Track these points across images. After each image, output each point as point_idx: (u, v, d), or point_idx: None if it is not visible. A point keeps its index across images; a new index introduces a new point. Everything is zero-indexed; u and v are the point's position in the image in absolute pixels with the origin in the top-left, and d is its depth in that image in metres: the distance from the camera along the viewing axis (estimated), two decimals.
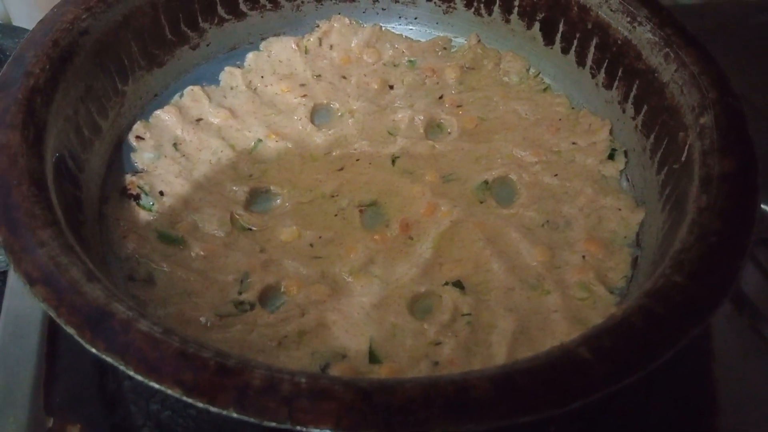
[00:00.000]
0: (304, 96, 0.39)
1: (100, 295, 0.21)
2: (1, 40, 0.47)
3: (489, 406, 0.20)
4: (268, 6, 0.40)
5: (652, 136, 0.33)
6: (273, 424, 0.19)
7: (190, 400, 0.19)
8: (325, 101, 0.39)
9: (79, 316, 0.21)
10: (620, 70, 0.36)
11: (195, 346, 0.21)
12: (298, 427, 0.19)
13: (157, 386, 0.20)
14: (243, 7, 0.39)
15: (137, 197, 0.33)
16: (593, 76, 0.38)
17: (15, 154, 0.25)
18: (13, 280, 0.34)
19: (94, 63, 0.32)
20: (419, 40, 0.43)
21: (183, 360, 0.20)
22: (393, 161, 0.37)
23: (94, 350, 0.20)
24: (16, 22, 0.55)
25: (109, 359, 0.20)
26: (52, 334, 0.31)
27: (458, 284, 0.31)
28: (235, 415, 0.19)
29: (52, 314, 0.21)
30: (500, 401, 0.20)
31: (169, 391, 0.20)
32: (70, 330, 0.21)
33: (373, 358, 0.29)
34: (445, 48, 0.42)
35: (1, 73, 0.27)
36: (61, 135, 0.29)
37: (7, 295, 0.33)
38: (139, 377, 0.20)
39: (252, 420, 0.19)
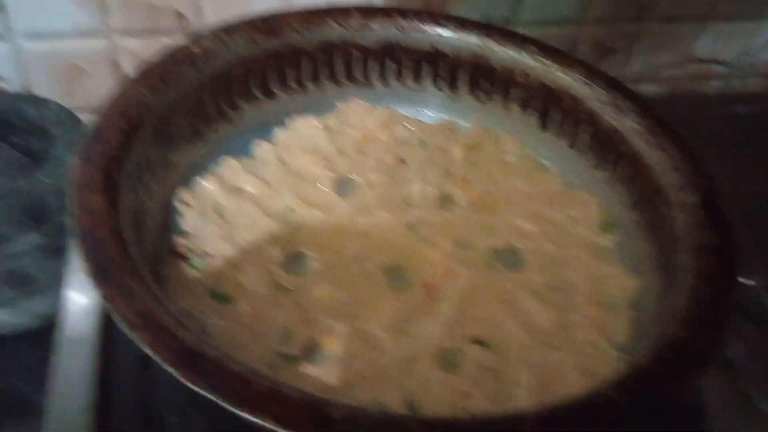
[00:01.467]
0: (328, 169, 0.43)
1: (192, 338, 0.24)
2: (25, 110, 0.51)
3: None
4: (296, 88, 0.44)
5: (641, 212, 0.38)
6: None
7: (279, 430, 0.22)
8: (346, 174, 0.43)
9: (177, 357, 0.23)
10: (608, 154, 0.41)
11: (280, 383, 0.24)
12: None
13: (250, 418, 0.22)
14: (274, 88, 0.43)
15: (186, 258, 0.36)
16: (584, 158, 0.43)
17: (101, 214, 0.28)
18: (62, 336, 0.36)
19: (153, 136, 0.35)
20: (428, 123, 0.48)
21: (271, 395, 0.23)
22: (411, 229, 0.41)
23: (192, 386, 0.23)
24: (36, 91, 0.58)
25: (206, 394, 0.23)
26: (104, 389, 0.33)
27: (480, 341, 0.35)
28: None
29: (152, 355, 0.23)
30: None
31: (260, 422, 0.22)
32: (170, 369, 0.23)
33: (409, 409, 0.32)
34: (450, 129, 0.47)
35: (83, 143, 0.31)
36: (128, 198, 0.32)
37: (57, 351, 0.35)
38: (233, 410, 0.22)
39: None
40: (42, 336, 0.47)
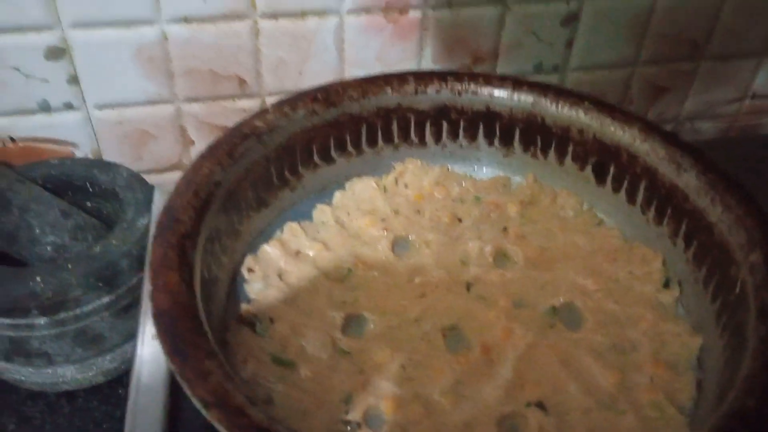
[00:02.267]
0: (385, 229, 0.44)
1: (264, 418, 0.25)
2: (97, 175, 0.54)
3: None
4: (354, 153, 0.46)
5: (704, 269, 0.38)
6: None
7: None
8: (403, 233, 0.44)
9: None
10: (669, 209, 0.41)
11: None
12: None
13: None
14: (334, 154, 0.45)
15: (252, 324, 0.37)
16: (643, 213, 0.43)
17: (176, 293, 0.30)
18: (134, 390, 0.38)
19: (222, 208, 0.37)
20: (482, 179, 0.48)
21: None
22: (468, 288, 0.41)
23: None
24: (106, 157, 0.61)
25: None
26: None
27: (540, 405, 0.35)
28: None
29: None
30: None
31: None
32: None
33: None
34: (505, 185, 0.48)
35: (157, 221, 0.33)
36: (200, 272, 0.34)
37: (130, 405, 0.37)
38: None
39: None
40: (108, 391, 0.50)
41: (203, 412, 0.25)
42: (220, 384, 0.26)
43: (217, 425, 0.25)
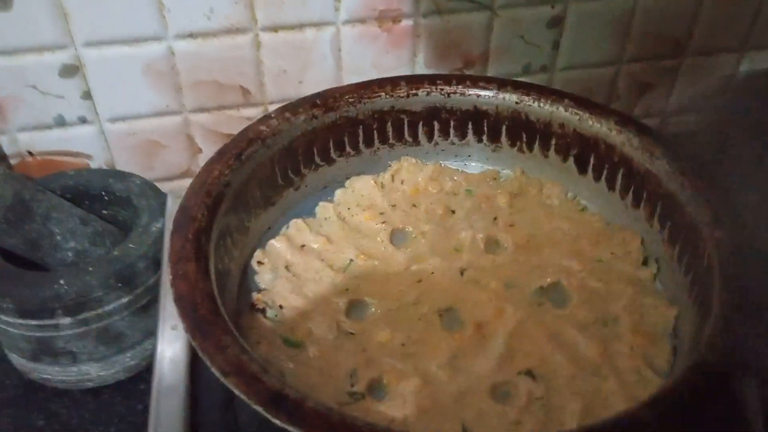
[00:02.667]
0: (384, 222, 0.47)
1: (276, 383, 0.29)
2: (112, 185, 0.57)
3: None
4: (352, 153, 0.50)
5: (677, 247, 0.41)
6: None
7: None
8: (400, 226, 0.48)
9: (264, 398, 0.28)
10: (645, 194, 0.44)
11: (351, 416, 0.28)
12: None
13: None
14: (333, 155, 0.49)
15: (263, 311, 0.41)
16: (622, 199, 0.46)
17: (195, 280, 0.33)
18: (156, 385, 0.41)
19: (232, 206, 0.41)
20: (473, 173, 0.52)
21: (343, 426, 0.27)
22: (461, 273, 0.44)
23: (278, 422, 0.27)
24: (119, 167, 0.64)
25: (290, 428, 0.27)
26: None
27: (529, 373, 0.38)
28: None
29: (243, 397, 0.28)
30: None
31: None
32: (258, 408, 0.28)
33: None
34: (494, 179, 0.51)
35: (174, 218, 0.36)
36: (215, 263, 0.37)
37: (153, 399, 0.40)
38: None
39: None
40: (131, 386, 0.53)
41: (222, 379, 0.29)
42: (236, 356, 0.30)
43: (236, 392, 0.28)
